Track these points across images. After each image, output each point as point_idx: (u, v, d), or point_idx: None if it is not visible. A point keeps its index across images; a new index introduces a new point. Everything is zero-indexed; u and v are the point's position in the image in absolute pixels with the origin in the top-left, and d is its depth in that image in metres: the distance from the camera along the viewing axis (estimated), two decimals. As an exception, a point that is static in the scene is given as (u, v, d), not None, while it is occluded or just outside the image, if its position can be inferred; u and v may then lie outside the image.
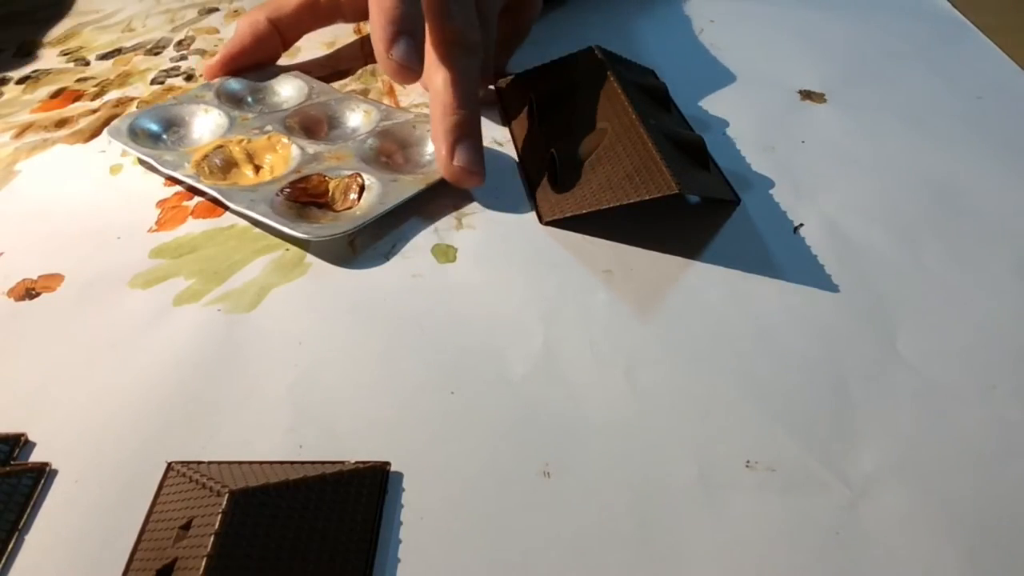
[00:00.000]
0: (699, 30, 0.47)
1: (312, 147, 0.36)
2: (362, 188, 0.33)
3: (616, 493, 0.23)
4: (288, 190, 0.33)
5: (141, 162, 0.37)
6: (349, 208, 0.33)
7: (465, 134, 0.33)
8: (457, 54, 0.33)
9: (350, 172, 0.34)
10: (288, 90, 0.41)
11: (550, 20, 0.43)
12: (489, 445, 0.24)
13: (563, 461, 0.24)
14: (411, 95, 0.42)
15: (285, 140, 0.36)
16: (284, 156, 0.36)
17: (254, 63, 0.42)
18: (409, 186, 0.33)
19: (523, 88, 0.40)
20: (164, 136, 0.38)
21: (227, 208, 0.33)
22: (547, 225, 0.33)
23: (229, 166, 0.35)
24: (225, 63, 0.41)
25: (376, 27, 0.30)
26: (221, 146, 0.36)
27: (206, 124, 0.38)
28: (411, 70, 0.30)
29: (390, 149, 0.37)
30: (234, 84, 0.41)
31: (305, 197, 0.33)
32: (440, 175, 0.33)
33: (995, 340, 0.27)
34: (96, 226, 0.34)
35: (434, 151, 0.34)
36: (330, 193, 0.33)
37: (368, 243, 0.32)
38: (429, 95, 0.34)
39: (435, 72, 0.33)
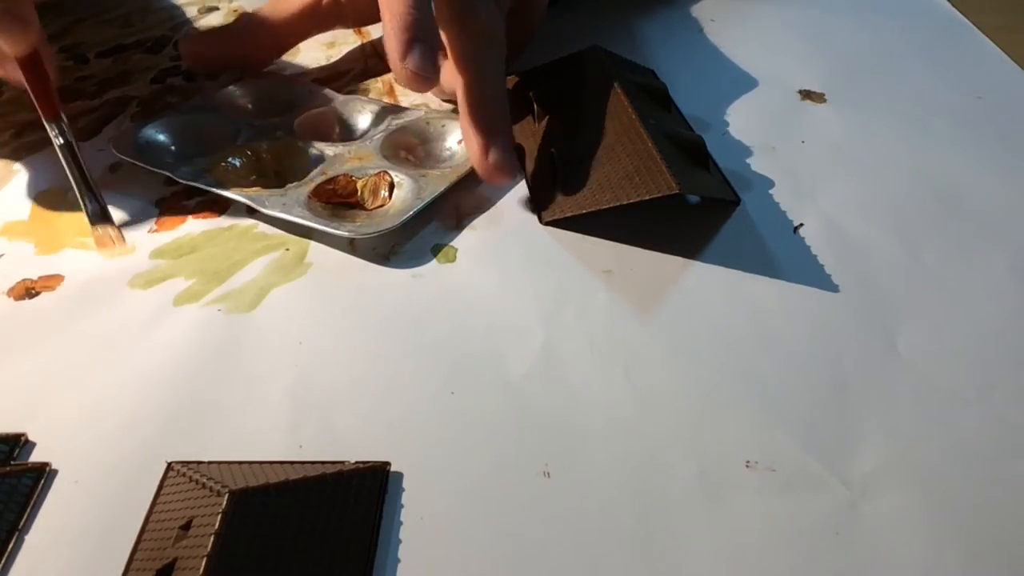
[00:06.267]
0: (699, 29, 0.47)
1: (330, 149, 0.36)
2: (392, 186, 0.34)
3: (616, 493, 0.23)
4: (318, 192, 0.33)
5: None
6: (381, 206, 0.33)
7: (497, 130, 0.32)
8: (483, 49, 0.32)
9: (375, 171, 0.34)
10: (291, 95, 0.41)
11: (550, 20, 0.43)
12: (489, 445, 0.24)
13: (563, 461, 0.24)
14: (411, 95, 0.42)
15: (300, 144, 0.36)
16: (303, 159, 0.36)
17: (243, 65, 0.41)
18: (440, 181, 0.33)
19: (523, 88, 0.40)
20: (173, 147, 0.37)
21: (260, 213, 0.33)
22: (547, 225, 0.33)
23: (249, 172, 0.35)
24: (207, 51, 0.39)
25: (389, 35, 0.30)
26: (238, 153, 0.36)
27: (215, 133, 0.37)
28: (426, 78, 0.30)
29: (411, 145, 0.37)
30: (234, 91, 0.40)
31: (336, 198, 0.33)
32: (467, 168, 0.34)
33: (995, 340, 0.27)
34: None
35: (464, 146, 0.34)
36: (359, 192, 0.33)
37: (368, 243, 0.32)
38: (457, 94, 0.33)
39: (462, 69, 0.32)
